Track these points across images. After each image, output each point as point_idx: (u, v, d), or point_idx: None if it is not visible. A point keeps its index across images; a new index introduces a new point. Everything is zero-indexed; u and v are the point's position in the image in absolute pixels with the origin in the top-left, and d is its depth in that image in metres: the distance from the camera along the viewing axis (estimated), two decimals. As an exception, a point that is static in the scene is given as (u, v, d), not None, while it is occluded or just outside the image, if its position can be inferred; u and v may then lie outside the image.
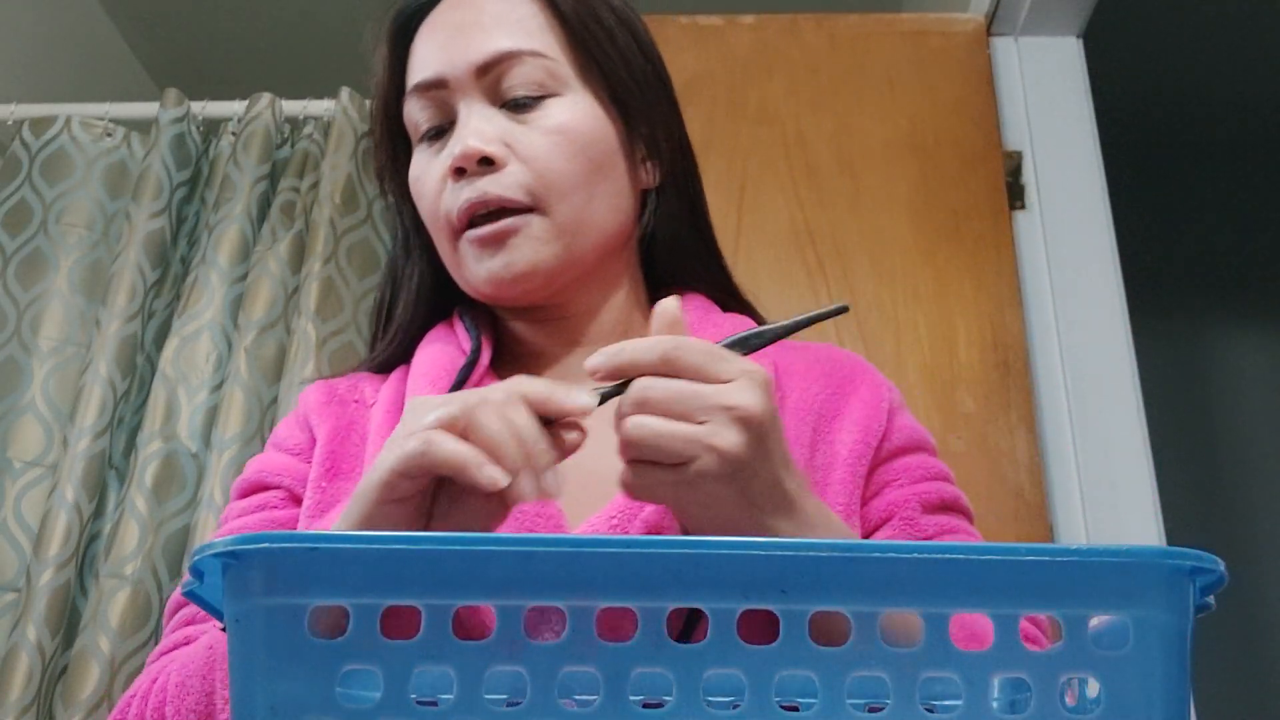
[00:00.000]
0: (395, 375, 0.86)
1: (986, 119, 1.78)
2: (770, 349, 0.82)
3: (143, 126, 1.87)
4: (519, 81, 0.82)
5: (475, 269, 0.81)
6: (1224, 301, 2.90)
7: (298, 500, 0.80)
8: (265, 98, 1.84)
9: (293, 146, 1.84)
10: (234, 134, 1.85)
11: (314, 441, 0.83)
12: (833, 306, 0.65)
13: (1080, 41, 1.89)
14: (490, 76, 0.82)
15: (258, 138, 1.80)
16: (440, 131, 0.84)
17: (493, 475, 0.56)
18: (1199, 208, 2.93)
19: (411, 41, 0.88)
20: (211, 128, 1.89)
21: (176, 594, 0.79)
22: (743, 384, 0.59)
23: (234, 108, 1.87)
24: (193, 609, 0.77)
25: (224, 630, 0.46)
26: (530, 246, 0.79)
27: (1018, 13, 1.83)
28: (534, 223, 0.79)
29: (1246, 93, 2.76)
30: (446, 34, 0.84)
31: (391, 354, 0.89)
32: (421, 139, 0.86)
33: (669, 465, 0.59)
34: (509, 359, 0.87)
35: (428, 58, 0.85)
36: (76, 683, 1.45)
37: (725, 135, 1.76)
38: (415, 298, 0.89)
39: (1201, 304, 2.90)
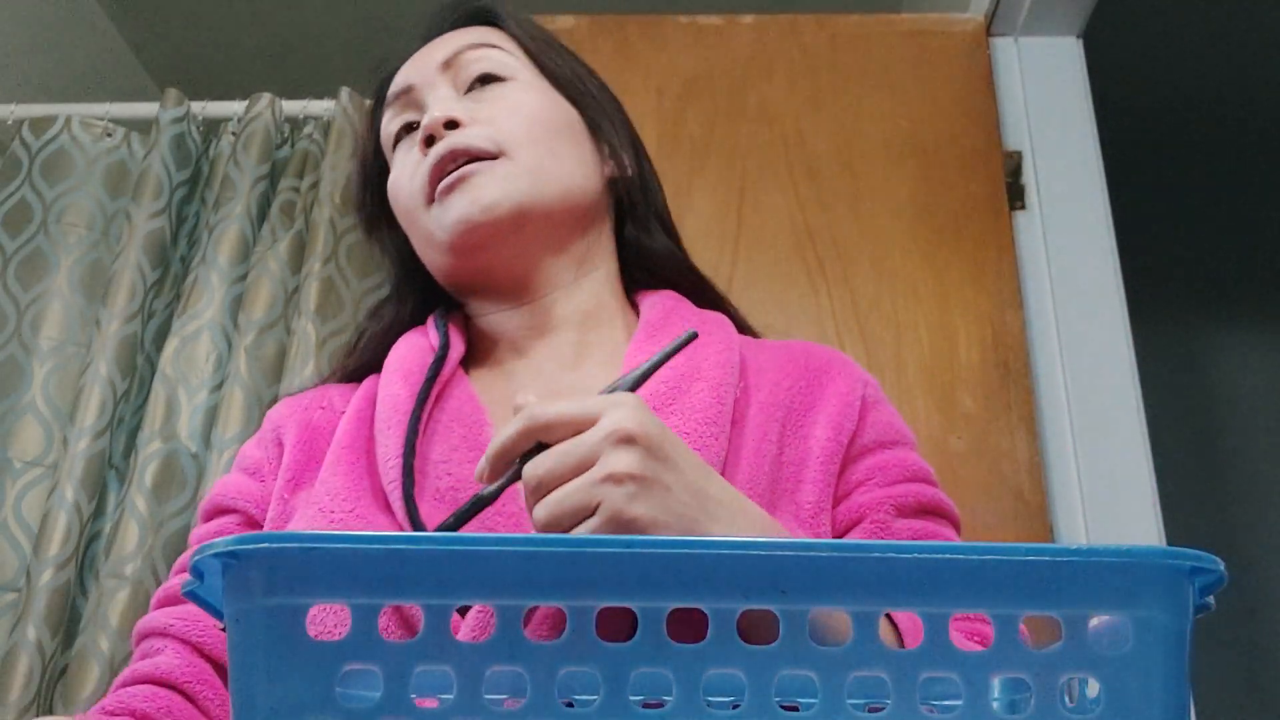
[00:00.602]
0: (367, 382, 0.87)
1: (986, 119, 1.78)
2: (743, 348, 0.83)
3: (143, 126, 1.87)
4: (478, 67, 0.87)
5: (445, 219, 0.82)
6: (1224, 302, 2.90)
7: (255, 524, 0.81)
8: (265, 98, 1.84)
9: (293, 146, 1.84)
10: (234, 134, 1.84)
11: (278, 458, 0.83)
12: (683, 335, 0.66)
13: (1080, 41, 1.88)
14: (453, 68, 0.88)
15: (258, 138, 1.80)
16: (410, 129, 0.89)
17: None
18: (1199, 208, 2.93)
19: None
20: (211, 128, 1.89)
21: (136, 627, 0.79)
22: (611, 411, 0.58)
23: (234, 108, 1.87)
24: (146, 646, 0.77)
25: (223, 630, 0.46)
26: (495, 183, 0.81)
27: (1018, 13, 1.83)
28: (498, 164, 0.82)
29: (1246, 93, 2.76)
30: (418, 58, 0.91)
31: (361, 361, 0.90)
32: (396, 145, 0.90)
33: (588, 518, 0.57)
34: (481, 356, 0.88)
35: (399, 79, 0.91)
36: (76, 683, 1.45)
37: (725, 135, 1.76)
38: (389, 325, 0.92)
39: (1201, 304, 2.90)
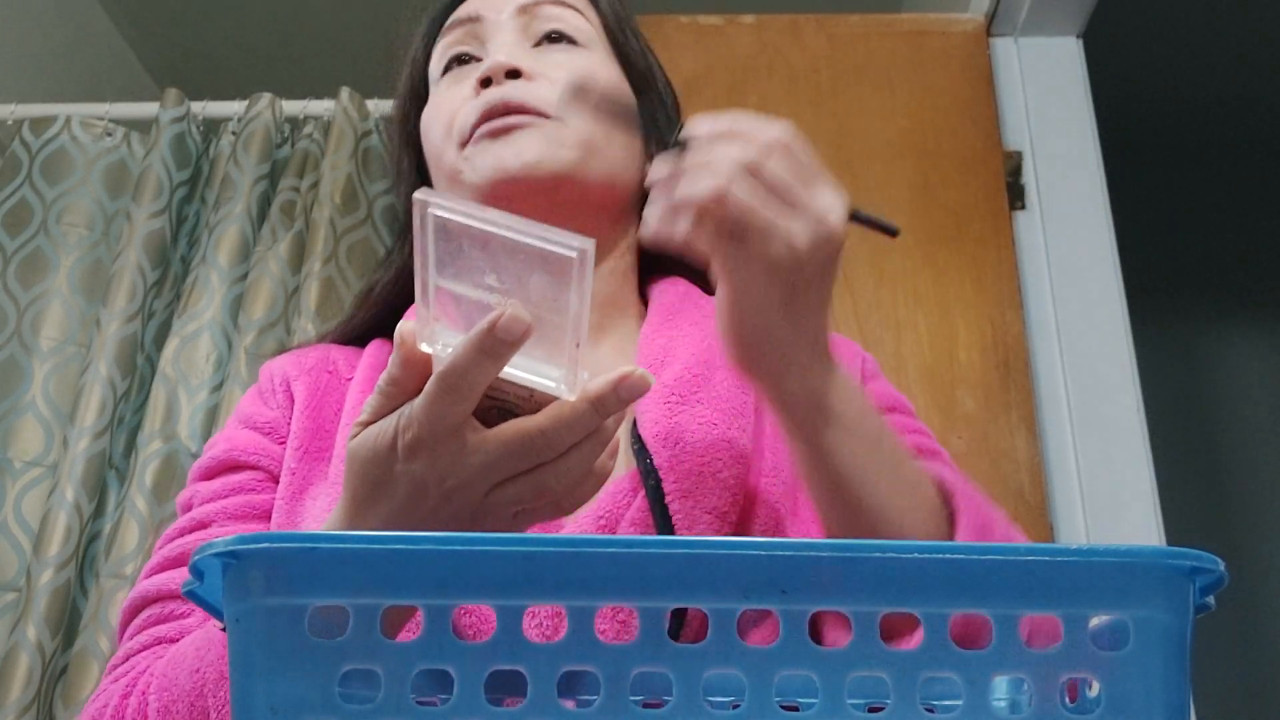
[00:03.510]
0: (373, 346, 0.83)
1: (986, 119, 1.78)
2: None
3: (143, 126, 1.87)
4: (555, 25, 0.84)
5: (480, 163, 0.78)
6: (1224, 302, 2.91)
7: (276, 481, 0.76)
8: (265, 98, 1.84)
9: (293, 146, 1.85)
10: (234, 134, 1.85)
11: (288, 416, 0.78)
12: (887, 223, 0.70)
13: (1080, 41, 1.89)
14: (527, 15, 0.84)
15: (258, 138, 1.80)
16: (463, 62, 0.85)
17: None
18: (1199, 208, 2.93)
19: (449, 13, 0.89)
20: (211, 128, 1.89)
21: (131, 597, 0.73)
22: (831, 194, 0.64)
23: (234, 108, 1.87)
24: (159, 610, 0.72)
25: (224, 629, 0.46)
26: (541, 143, 0.78)
27: (1018, 13, 1.83)
28: (550, 125, 0.79)
29: (1246, 93, 2.76)
30: None
31: (366, 319, 0.86)
32: (443, 74, 0.85)
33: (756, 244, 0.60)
34: None
35: (467, 5, 0.86)
36: (76, 683, 1.45)
37: (725, 135, 1.76)
38: (402, 272, 0.86)
39: (1201, 304, 2.90)
